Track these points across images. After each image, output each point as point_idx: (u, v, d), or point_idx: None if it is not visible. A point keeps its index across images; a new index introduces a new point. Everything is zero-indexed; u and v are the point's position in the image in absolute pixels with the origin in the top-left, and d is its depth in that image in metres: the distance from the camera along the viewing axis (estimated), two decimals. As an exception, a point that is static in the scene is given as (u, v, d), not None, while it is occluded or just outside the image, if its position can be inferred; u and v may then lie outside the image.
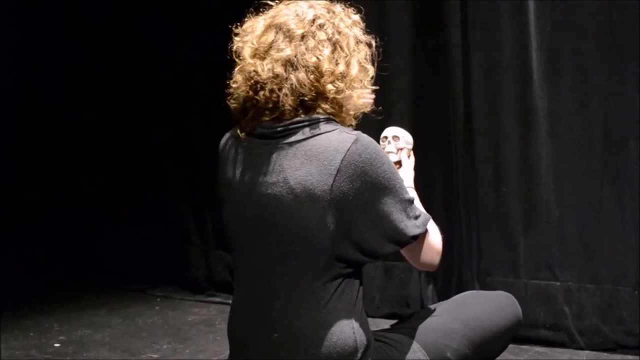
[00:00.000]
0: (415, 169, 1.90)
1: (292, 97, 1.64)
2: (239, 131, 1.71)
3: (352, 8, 1.76)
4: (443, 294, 3.21)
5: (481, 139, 3.20)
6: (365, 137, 1.64)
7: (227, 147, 1.75)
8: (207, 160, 2.64)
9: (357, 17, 1.75)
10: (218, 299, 3.86)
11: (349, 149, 1.60)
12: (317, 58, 1.64)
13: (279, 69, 1.64)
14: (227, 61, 1.75)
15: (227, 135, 1.76)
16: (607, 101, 2.96)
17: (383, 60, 3.13)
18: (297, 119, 1.65)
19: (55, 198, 4.60)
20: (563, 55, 3.02)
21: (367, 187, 1.61)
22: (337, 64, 1.66)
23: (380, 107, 1.79)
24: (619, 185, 2.96)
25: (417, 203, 1.73)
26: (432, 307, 1.92)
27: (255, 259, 1.68)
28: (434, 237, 1.73)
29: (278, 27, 1.66)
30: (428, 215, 1.71)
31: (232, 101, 1.72)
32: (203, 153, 3.80)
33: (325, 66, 1.64)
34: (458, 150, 3.25)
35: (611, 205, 2.97)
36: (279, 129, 1.65)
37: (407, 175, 1.86)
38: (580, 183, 3.03)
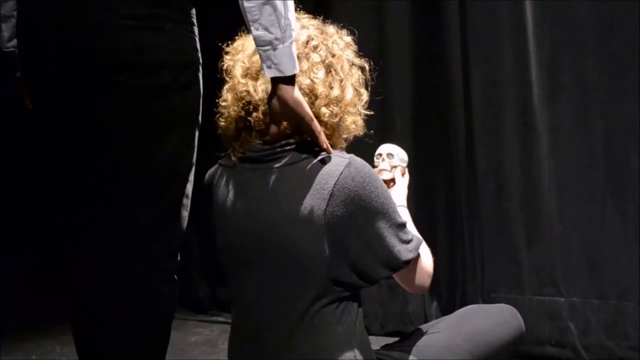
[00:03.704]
0: (410, 187, 1.88)
1: (284, 133, 1.62)
2: (231, 154, 1.69)
3: (345, 30, 1.75)
4: (447, 311, 3.18)
5: (482, 155, 3.19)
6: (358, 161, 1.62)
7: (216, 176, 1.73)
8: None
9: (349, 39, 1.73)
10: (221, 319, 3.84)
11: (341, 173, 1.58)
12: (312, 80, 1.63)
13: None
14: (217, 79, 1.73)
15: (215, 166, 1.74)
16: (608, 115, 2.95)
17: (384, 77, 3.18)
18: (288, 141, 1.63)
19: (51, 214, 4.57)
20: (563, 70, 3.02)
21: (360, 211, 1.59)
22: (331, 87, 1.65)
23: (372, 131, 1.78)
24: (621, 200, 2.95)
25: (410, 225, 1.72)
26: (433, 322, 1.91)
27: (251, 286, 1.66)
28: (426, 261, 1.71)
29: (258, 53, 1.62)
30: (420, 239, 1.69)
31: (221, 120, 1.71)
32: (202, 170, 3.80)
33: (320, 89, 1.63)
34: (460, 166, 3.25)
35: (614, 219, 2.96)
36: (268, 152, 1.63)
37: (400, 193, 1.85)
38: (583, 198, 3.01)
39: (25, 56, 1.67)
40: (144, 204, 1.64)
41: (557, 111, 3.03)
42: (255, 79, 1.65)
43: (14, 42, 1.73)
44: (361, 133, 1.74)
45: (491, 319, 1.87)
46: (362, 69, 1.72)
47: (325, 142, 1.62)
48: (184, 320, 3.89)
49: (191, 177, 1.72)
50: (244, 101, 1.66)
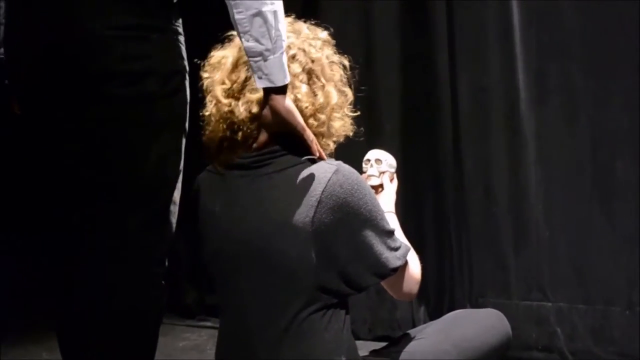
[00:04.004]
0: (398, 192, 1.88)
1: (271, 139, 1.62)
2: (217, 165, 1.68)
3: (320, 27, 1.72)
4: (435, 316, 3.17)
5: (470, 160, 3.20)
6: (346, 168, 1.61)
7: (205, 182, 1.72)
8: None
9: (325, 35, 1.71)
10: (209, 324, 3.83)
11: (329, 180, 1.57)
12: (295, 96, 1.61)
13: (256, 109, 1.61)
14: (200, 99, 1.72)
15: (204, 172, 1.73)
16: (595, 121, 2.97)
17: (372, 81, 3.17)
18: (276, 147, 1.62)
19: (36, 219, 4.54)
20: (550, 76, 3.03)
21: (348, 219, 1.58)
22: (315, 95, 1.64)
23: (362, 128, 1.77)
24: (608, 205, 2.96)
25: (398, 232, 1.71)
26: (421, 327, 1.91)
27: (239, 292, 1.66)
28: (414, 268, 1.71)
29: (249, 63, 1.60)
30: (408, 246, 1.69)
31: (206, 136, 1.69)
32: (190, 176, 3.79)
33: (305, 103, 1.62)
34: (447, 171, 3.25)
35: (601, 224, 2.97)
36: (256, 158, 1.63)
37: (389, 199, 1.84)
38: (570, 203, 3.02)
39: (12, 63, 1.67)
40: (131, 211, 1.64)
41: (544, 116, 3.05)
42: (238, 98, 1.64)
43: (1, 49, 1.73)
44: (350, 134, 1.73)
45: (478, 323, 1.87)
46: (344, 66, 1.71)
47: (318, 150, 1.62)
48: (172, 326, 3.87)
49: (179, 184, 1.72)
50: (228, 122, 1.64)
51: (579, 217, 3.00)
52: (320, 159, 1.62)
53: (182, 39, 1.67)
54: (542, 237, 3.06)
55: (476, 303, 3.18)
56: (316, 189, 1.57)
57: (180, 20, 1.67)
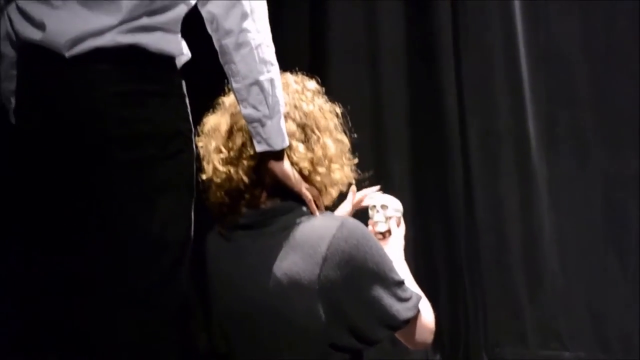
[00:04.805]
0: (407, 237, 1.85)
1: (272, 197, 1.62)
2: (220, 227, 1.67)
3: (305, 76, 1.71)
4: (450, 364, 3.14)
5: (482, 206, 3.17)
6: (351, 222, 1.59)
7: (213, 242, 1.70)
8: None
9: (314, 85, 1.70)
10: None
11: (334, 236, 1.55)
12: (293, 158, 1.61)
13: (254, 175, 1.61)
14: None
15: (212, 231, 1.71)
16: (606, 165, 2.96)
17: (381, 126, 3.17)
18: (278, 205, 1.61)
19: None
20: (559, 121, 3.03)
21: (355, 273, 1.55)
22: (312, 150, 1.63)
23: (368, 173, 1.76)
24: (622, 249, 2.94)
25: (408, 280, 1.68)
26: None
27: (251, 352, 1.62)
28: (427, 317, 1.66)
29: (244, 129, 1.60)
30: (419, 295, 1.65)
31: (206, 198, 1.68)
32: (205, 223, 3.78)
33: (304, 163, 1.61)
34: (459, 217, 3.22)
35: (616, 270, 2.95)
36: (260, 218, 1.61)
37: (397, 245, 1.81)
38: (584, 248, 3.00)
39: (18, 120, 1.68)
40: (137, 273, 1.62)
41: (555, 161, 3.04)
42: (236, 165, 1.63)
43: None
44: (352, 181, 1.72)
45: None
46: (336, 114, 1.70)
47: (315, 209, 1.61)
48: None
49: (186, 246, 1.69)
50: (226, 188, 1.64)
51: (593, 263, 2.98)
52: (326, 208, 1.62)
53: (184, 100, 1.66)
54: (557, 284, 3.03)
55: (492, 353, 3.13)
56: (321, 246, 1.54)
57: (182, 82, 1.67)
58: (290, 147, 1.60)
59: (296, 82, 1.69)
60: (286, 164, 1.58)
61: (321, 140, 1.64)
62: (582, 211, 3.01)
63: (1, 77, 1.75)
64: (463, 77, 3.18)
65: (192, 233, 1.66)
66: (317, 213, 1.61)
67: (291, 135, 1.60)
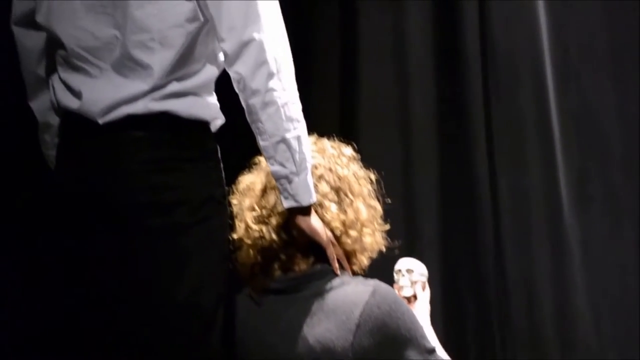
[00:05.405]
0: (432, 301, 1.84)
1: (305, 258, 1.63)
2: (251, 291, 1.66)
3: (343, 144, 1.74)
4: None
5: (513, 266, 3.11)
6: (383, 288, 1.59)
7: (241, 307, 1.69)
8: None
9: (350, 152, 1.74)
10: None
11: (367, 302, 1.55)
12: (325, 216, 1.62)
13: (285, 234, 1.63)
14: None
15: (241, 294, 1.71)
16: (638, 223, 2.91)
17: (409, 187, 3.15)
18: (311, 270, 1.61)
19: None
20: (591, 178, 2.99)
21: (388, 340, 1.54)
22: (345, 212, 1.64)
23: (398, 242, 1.75)
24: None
25: (437, 346, 1.65)
26: None
27: None
28: None
29: (278, 188, 1.61)
30: None
31: (237, 261, 1.68)
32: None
33: (335, 223, 1.62)
34: (489, 278, 3.17)
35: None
36: (292, 282, 1.61)
37: (423, 309, 1.80)
38: (618, 309, 2.93)
39: (54, 185, 1.71)
40: (167, 340, 1.61)
41: (588, 222, 2.99)
42: (267, 223, 1.65)
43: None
44: (383, 248, 1.71)
45: None
46: (370, 180, 1.73)
47: (337, 268, 1.61)
48: None
49: (219, 309, 1.67)
50: (259, 247, 1.65)
51: (628, 326, 2.89)
52: (353, 273, 1.62)
53: (217, 165, 1.67)
54: (590, 346, 2.95)
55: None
56: (354, 313, 1.54)
57: (216, 147, 1.68)
58: (322, 206, 1.61)
59: (333, 147, 1.73)
60: (314, 219, 1.59)
61: (354, 204, 1.66)
62: (615, 271, 2.95)
63: (48, 145, 1.81)
64: (494, 133, 3.16)
65: (225, 298, 1.65)
66: (338, 272, 1.61)
67: (324, 195, 1.63)
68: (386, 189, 1.75)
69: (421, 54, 3.12)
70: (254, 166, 1.76)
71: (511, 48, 3.09)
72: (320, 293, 1.58)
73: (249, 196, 1.70)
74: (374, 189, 1.72)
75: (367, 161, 1.79)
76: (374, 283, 1.59)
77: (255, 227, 1.64)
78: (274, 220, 1.63)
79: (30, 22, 1.72)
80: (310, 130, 1.66)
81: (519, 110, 3.12)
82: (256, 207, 1.67)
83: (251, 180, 1.72)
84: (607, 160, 2.97)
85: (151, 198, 1.56)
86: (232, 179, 1.74)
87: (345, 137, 1.80)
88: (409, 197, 3.11)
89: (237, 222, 1.69)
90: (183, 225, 1.58)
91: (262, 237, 1.63)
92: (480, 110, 3.18)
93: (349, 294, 1.56)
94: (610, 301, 2.95)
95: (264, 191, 1.68)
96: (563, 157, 3.02)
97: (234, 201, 1.71)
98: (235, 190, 1.73)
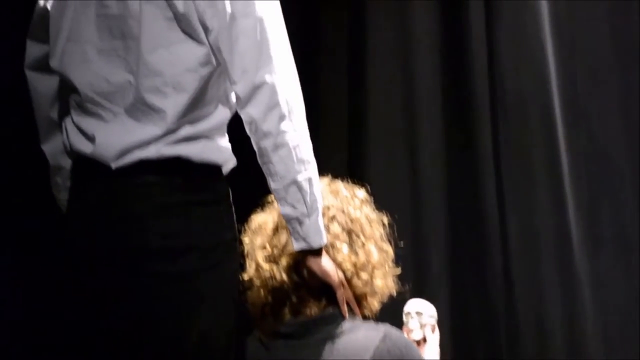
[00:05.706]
0: (442, 344, 1.83)
1: (317, 301, 1.62)
2: (260, 334, 1.66)
3: (356, 186, 1.75)
4: None
5: (522, 307, 3.09)
6: (394, 333, 1.59)
7: (249, 350, 1.69)
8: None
9: (363, 194, 1.74)
10: None
11: (377, 347, 1.55)
12: (337, 258, 1.62)
13: (295, 275, 1.63)
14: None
15: (251, 337, 1.71)
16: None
17: (417, 224, 3.14)
18: (320, 316, 1.60)
19: None
20: (602, 217, 2.98)
21: None
22: (356, 254, 1.64)
23: (408, 286, 1.75)
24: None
25: None
26: None
27: None
28: None
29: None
30: None
31: (248, 300, 1.68)
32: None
33: (347, 264, 1.62)
34: (499, 320, 3.14)
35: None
36: (302, 327, 1.61)
37: (432, 352, 1.79)
38: (630, 349, 2.89)
39: (66, 230, 1.71)
40: None
41: (599, 261, 2.97)
42: (278, 263, 1.65)
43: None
44: (394, 292, 1.71)
45: None
46: (383, 223, 1.73)
47: (346, 311, 1.61)
48: None
49: (229, 353, 1.66)
50: (270, 287, 1.65)
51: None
52: (364, 317, 1.61)
53: (229, 208, 1.67)
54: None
55: None
56: (364, 358, 1.54)
57: (228, 190, 1.68)
58: (334, 247, 1.61)
59: (346, 189, 1.73)
60: (326, 261, 1.58)
61: (366, 247, 1.66)
62: (626, 312, 2.92)
63: (60, 188, 1.82)
64: (503, 173, 3.16)
65: (235, 343, 1.65)
66: (346, 315, 1.60)
67: (336, 237, 1.63)
68: (394, 227, 1.74)
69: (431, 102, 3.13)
70: (266, 204, 1.76)
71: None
72: (331, 338, 1.57)
73: (260, 235, 1.70)
74: (386, 232, 1.72)
75: (376, 198, 1.77)
76: (385, 328, 1.59)
77: (265, 266, 1.65)
78: (284, 261, 1.63)
79: (43, 66, 1.74)
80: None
81: (528, 152, 3.10)
82: (267, 246, 1.67)
83: (263, 219, 1.72)
84: (617, 200, 2.96)
85: (162, 243, 1.56)
86: (245, 218, 1.74)
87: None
88: (418, 237, 3.10)
89: (248, 261, 1.69)
90: (194, 271, 1.58)
91: (272, 277, 1.64)
92: (489, 145, 3.18)
93: (360, 339, 1.56)
94: (621, 341, 2.92)
95: (276, 230, 1.68)
96: (572, 193, 3.01)
97: (246, 240, 1.72)
98: (247, 229, 1.73)
